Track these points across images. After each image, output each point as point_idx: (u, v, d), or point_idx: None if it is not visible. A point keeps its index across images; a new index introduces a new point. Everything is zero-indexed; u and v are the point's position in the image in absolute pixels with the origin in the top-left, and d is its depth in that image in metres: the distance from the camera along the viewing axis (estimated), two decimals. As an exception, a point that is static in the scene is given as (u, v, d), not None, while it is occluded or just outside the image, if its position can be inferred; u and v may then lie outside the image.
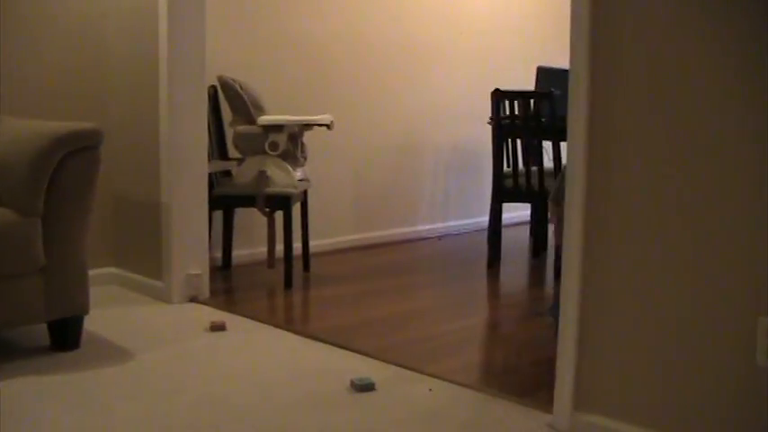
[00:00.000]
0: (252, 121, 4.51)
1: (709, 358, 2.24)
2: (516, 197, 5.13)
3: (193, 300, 4.11)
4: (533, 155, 4.99)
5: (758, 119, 2.10)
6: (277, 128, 4.47)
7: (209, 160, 4.26)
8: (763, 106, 2.09)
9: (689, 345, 2.27)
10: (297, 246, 4.91)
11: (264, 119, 4.48)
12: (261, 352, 3.35)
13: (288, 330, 3.66)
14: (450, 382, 3.01)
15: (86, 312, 3.29)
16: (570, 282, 2.53)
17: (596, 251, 2.47)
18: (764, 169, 2.10)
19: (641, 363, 2.38)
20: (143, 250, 4.26)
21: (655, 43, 2.29)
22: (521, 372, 3.25)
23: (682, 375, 2.29)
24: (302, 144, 4.68)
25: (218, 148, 4.82)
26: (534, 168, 4.98)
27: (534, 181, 4.97)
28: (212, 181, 4.51)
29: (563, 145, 4.71)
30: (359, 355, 3.31)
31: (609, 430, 2.45)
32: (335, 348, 3.41)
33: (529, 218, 6.39)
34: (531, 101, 4.92)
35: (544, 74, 5.63)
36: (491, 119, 5.17)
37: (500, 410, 2.75)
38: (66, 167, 3.13)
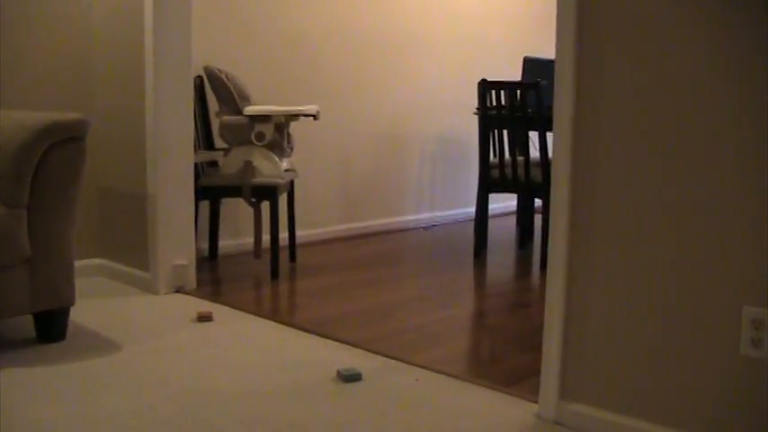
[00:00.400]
0: (238, 112, 4.50)
1: (695, 348, 2.25)
2: (503, 187, 5.13)
3: (180, 290, 4.11)
4: (520, 145, 4.99)
5: (742, 112, 2.11)
6: (263, 118, 4.47)
7: (195, 150, 4.25)
8: (749, 101, 2.10)
9: (674, 335, 2.29)
10: (283, 236, 4.91)
11: (250, 109, 4.47)
12: (247, 342, 3.35)
13: (274, 321, 3.66)
14: (437, 371, 3.02)
15: (72, 304, 3.28)
16: (556, 272, 2.54)
17: (582, 242, 2.48)
18: (747, 162, 2.11)
19: (627, 353, 2.39)
20: (129, 241, 4.25)
21: (641, 34, 2.29)
22: (507, 361, 3.26)
23: (667, 365, 2.31)
24: (288, 134, 4.67)
25: (204, 138, 4.81)
26: (521, 159, 4.98)
27: (521, 171, 4.98)
28: (198, 171, 4.50)
29: (549, 135, 4.72)
30: (345, 346, 3.32)
31: (594, 420, 2.46)
32: (322, 339, 3.41)
33: (515, 208, 6.42)
34: (518, 91, 4.92)
35: (531, 64, 5.63)
36: (478, 109, 5.17)
37: (486, 400, 2.76)
38: (52, 158, 3.12)
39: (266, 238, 4.65)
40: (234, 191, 4.46)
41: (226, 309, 3.82)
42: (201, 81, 4.76)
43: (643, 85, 2.30)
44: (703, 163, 2.20)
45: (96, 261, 4.44)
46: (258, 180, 4.42)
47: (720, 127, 2.16)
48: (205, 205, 4.85)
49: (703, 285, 2.22)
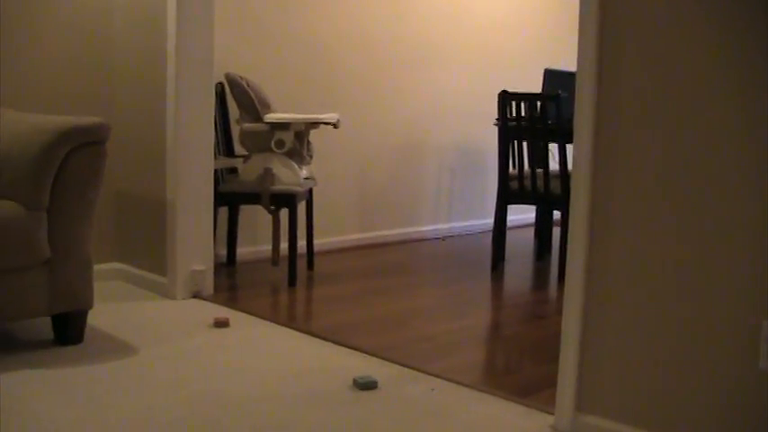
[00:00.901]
0: (258, 119, 4.51)
1: (712, 362, 2.23)
2: (522, 199, 5.12)
3: (197, 296, 4.12)
4: (539, 157, 4.98)
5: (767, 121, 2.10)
6: (283, 126, 4.48)
7: (215, 157, 4.27)
8: (770, 110, 2.09)
9: (692, 348, 2.27)
10: (301, 244, 4.92)
11: (271, 116, 4.48)
12: (263, 349, 3.35)
13: (291, 328, 3.66)
14: (452, 381, 3.01)
15: (90, 307, 3.29)
16: (574, 284, 2.53)
17: (600, 254, 2.47)
18: (770, 173, 2.10)
19: (644, 365, 2.38)
20: (148, 246, 4.27)
21: (662, 47, 2.29)
22: (522, 372, 3.25)
23: (684, 378, 2.29)
24: (308, 142, 4.68)
25: (224, 144, 4.82)
26: (540, 170, 4.97)
27: (540, 183, 4.97)
28: (218, 178, 4.51)
29: (569, 147, 4.72)
30: (361, 354, 3.31)
31: (610, 432, 2.45)
32: (338, 346, 3.41)
33: (533, 220, 6.40)
34: (538, 103, 4.92)
35: (551, 76, 5.62)
36: (497, 120, 5.16)
37: (502, 411, 2.75)
38: (72, 162, 3.13)
39: (284, 245, 4.65)
40: (253, 198, 4.47)
41: (242, 315, 3.83)
42: (222, 88, 4.78)
43: (665, 98, 2.29)
44: (725, 176, 2.19)
45: (114, 265, 4.45)
46: (277, 187, 4.43)
47: (745, 139, 2.15)
48: (224, 212, 4.86)
49: (722, 299, 2.21)
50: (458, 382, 3.00)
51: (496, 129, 5.26)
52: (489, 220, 6.31)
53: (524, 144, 5.26)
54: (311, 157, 4.77)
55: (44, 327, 3.39)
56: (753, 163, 2.13)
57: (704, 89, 2.21)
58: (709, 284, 2.23)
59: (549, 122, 4.89)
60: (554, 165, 5.07)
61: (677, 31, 2.25)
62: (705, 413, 2.25)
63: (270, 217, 4.58)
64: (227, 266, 4.90)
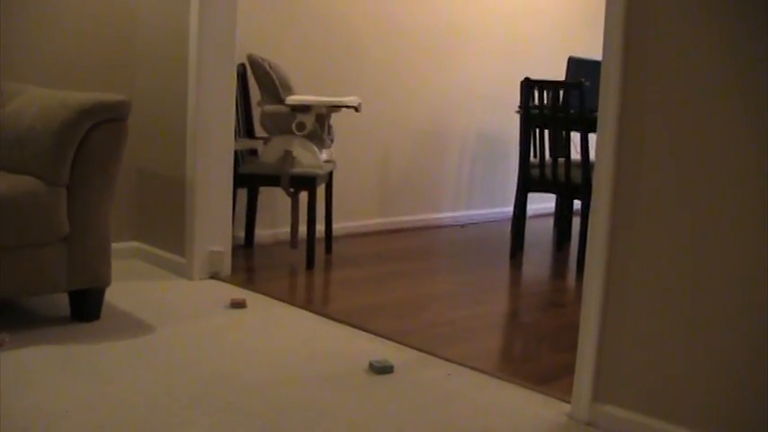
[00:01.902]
0: (280, 101, 4.50)
1: (732, 354, 2.21)
2: (542, 187, 5.09)
3: (215, 277, 4.12)
4: (561, 146, 4.95)
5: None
6: (305, 108, 4.46)
7: (235, 138, 4.26)
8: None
9: (712, 338, 2.25)
10: (320, 228, 4.91)
11: (292, 99, 4.47)
12: (280, 330, 3.34)
13: (307, 310, 3.65)
14: (469, 367, 3.00)
15: (108, 284, 3.30)
16: (594, 272, 2.51)
17: (620, 244, 2.45)
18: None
19: (663, 356, 2.36)
20: (166, 226, 4.27)
21: (688, 39, 2.26)
22: (540, 360, 3.23)
23: (704, 370, 2.27)
24: (329, 125, 4.67)
25: (245, 126, 4.82)
26: (561, 159, 4.94)
27: (560, 172, 4.94)
28: (238, 159, 4.51)
29: (591, 137, 4.68)
30: (378, 338, 3.30)
31: (628, 422, 2.43)
32: (354, 330, 3.40)
33: (553, 210, 6.38)
34: (561, 91, 4.88)
35: (575, 65, 5.59)
36: (520, 107, 5.13)
37: (518, 398, 2.74)
38: (93, 138, 3.13)
39: (302, 228, 4.65)
40: (272, 180, 4.46)
41: (260, 296, 3.82)
42: (244, 69, 4.77)
43: (691, 89, 2.26)
44: (746, 170, 2.16)
45: (133, 244, 4.46)
46: (297, 170, 4.42)
47: (765, 137, 2.12)
48: (243, 193, 4.86)
49: (738, 291, 2.18)
50: (474, 368, 2.99)
51: (518, 117, 5.23)
52: (509, 209, 6.29)
53: (546, 132, 5.22)
54: (332, 140, 4.75)
55: (61, 303, 3.40)
56: (780, 153, 2.10)
57: (731, 82, 2.18)
58: (725, 277, 2.21)
59: (572, 111, 4.85)
60: (575, 154, 5.04)
61: (707, 20, 2.22)
62: (723, 405, 2.23)
63: (289, 199, 4.57)
64: (245, 248, 4.90)
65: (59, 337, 3.07)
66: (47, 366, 2.76)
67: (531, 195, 5.16)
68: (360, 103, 4.61)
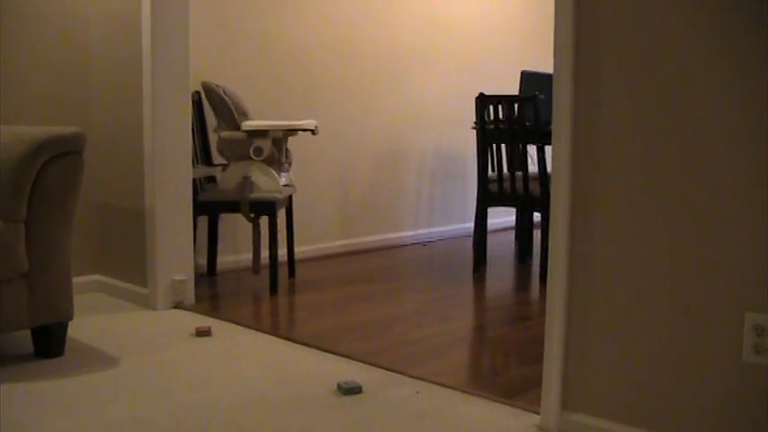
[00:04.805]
0: (236, 127, 4.50)
1: (696, 356, 2.24)
2: (501, 201, 5.13)
3: (178, 306, 4.10)
4: (518, 159, 4.99)
5: (748, 117, 2.11)
6: (261, 133, 4.46)
7: (193, 166, 4.24)
8: (754, 105, 2.09)
9: (675, 342, 2.27)
10: (282, 252, 4.90)
11: (248, 124, 4.47)
12: (246, 356, 3.33)
13: (273, 335, 3.64)
14: (437, 384, 3.00)
15: (70, 319, 3.26)
16: (556, 283, 2.53)
17: (581, 253, 2.47)
18: (752, 167, 2.10)
19: (628, 362, 2.38)
20: (127, 257, 4.24)
21: (640, 48, 2.29)
22: (508, 373, 3.24)
23: (669, 373, 2.29)
24: (286, 149, 4.67)
25: (202, 153, 4.80)
26: (519, 173, 4.98)
27: (519, 185, 4.97)
28: (197, 187, 4.49)
29: (548, 149, 4.72)
30: (345, 359, 3.30)
31: (597, 429, 2.44)
32: (321, 353, 3.40)
33: (514, 223, 6.42)
34: (516, 105, 4.93)
35: (529, 78, 5.64)
36: (476, 123, 5.17)
37: (488, 412, 2.75)
38: (49, 172, 3.11)
39: (265, 253, 4.63)
40: (232, 206, 4.45)
41: (224, 323, 3.81)
42: (199, 96, 4.76)
43: (642, 98, 2.30)
44: (704, 170, 2.19)
45: (94, 277, 4.42)
46: (256, 195, 4.41)
47: (721, 134, 2.15)
48: (203, 221, 4.84)
49: (705, 293, 2.21)
50: (443, 385, 2.99)
51: (475, 133, 5.26)
52: (470, 224, 6.33)
53: (503, 147, 5.26)
54: (290, 164, 4.76)
55: (24, 340, 3.36)
56: (735, 156, 2.14)
57: (688, 86, 2.21)
58: (691, 279, 2.24)
59: (527, 124, 4.89)
60: (533, 167, 5.07)
61: (657, 27, 2.26)
62: (690, 408, 2.26)
63: (250, 225, 4.56)
64: (208, 276, 4.88)
65: (24, 375, 3.03)
66: (12, 404, 2.73)
67: (491, 210, 5.19)
68: (316, 126, 4.62)
